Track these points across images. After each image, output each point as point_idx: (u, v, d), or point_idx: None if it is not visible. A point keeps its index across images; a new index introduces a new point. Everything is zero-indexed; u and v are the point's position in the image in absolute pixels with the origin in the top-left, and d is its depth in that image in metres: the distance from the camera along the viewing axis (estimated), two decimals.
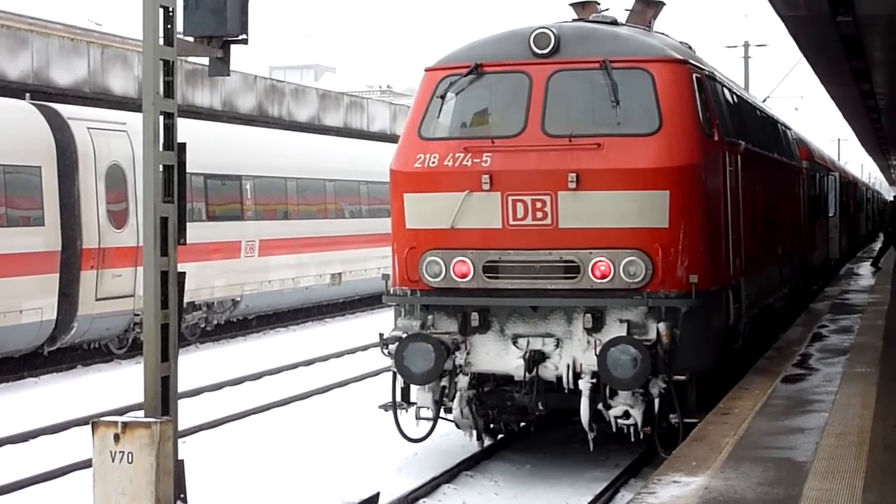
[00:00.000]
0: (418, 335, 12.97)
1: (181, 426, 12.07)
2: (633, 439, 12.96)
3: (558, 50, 13.04)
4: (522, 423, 14.24)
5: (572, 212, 12.58)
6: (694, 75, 13.28)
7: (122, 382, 20.58)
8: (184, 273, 10.51)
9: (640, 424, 12.68)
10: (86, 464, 13.06)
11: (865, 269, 34.64)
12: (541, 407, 12.83)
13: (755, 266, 15.79)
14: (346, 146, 36.01)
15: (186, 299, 23.94)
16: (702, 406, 12.73)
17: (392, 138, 39.36)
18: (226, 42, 10.86)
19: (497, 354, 13.01)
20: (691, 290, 12.47)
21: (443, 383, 13.11)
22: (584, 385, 12.59)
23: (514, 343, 12.94)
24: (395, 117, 48.49)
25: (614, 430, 12.86)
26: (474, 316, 12.94)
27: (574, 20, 14.31)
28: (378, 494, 12.18)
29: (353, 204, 33.94)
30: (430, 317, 13.25)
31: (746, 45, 54.97)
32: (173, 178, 10.40)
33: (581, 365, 12.68)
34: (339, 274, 32.44)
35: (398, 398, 13.64)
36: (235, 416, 17.50)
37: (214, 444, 15.53)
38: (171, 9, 10.35)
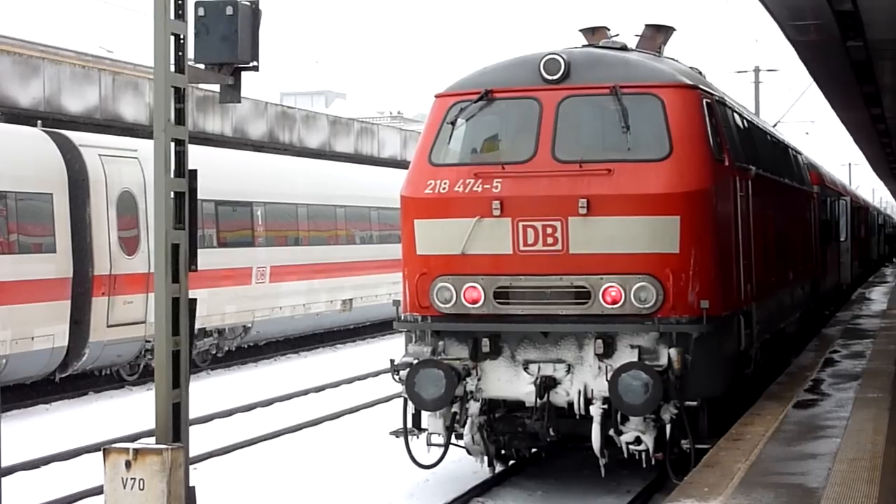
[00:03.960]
0: (429, 361, 12.95)
1: (192, 453, 12.05)
2: (644, 465, 12.91)
3: (568, 76, 13.04)
4: (534, 449, 14.20)
5: (583, 237, 12.56)
6: (704, 100, 13.27)
7: (134, 409, 20.57)
8: (195, 299, 10.51)
9: (651, 450, 12.63)
10: (97, 490, 13.05)
11: (877, 293, 34.54)
12: (552, 433, 12.79)
13: (766, 291, 15.76)
14: (357, 172, 36.05)
15: (197, 326, 23.89)
16: (713, 432, 12.69)
17: (402, 164, 39.39)
18: (237, 69, 10.91)
19: (508, 380, 12.98)
20: (702, 316, 12.44)
21: (454, 409, 13.08)
22: (596, 411, 12.56)
23: (525, 369, 12.92)
24: (406, 143, 48.56)
25: (626, 455, 12.82)
26: (485, 342, 12.93)
27: (584, 46, 14.32)
28: None
29: (364, 230, 33.96)
30: (440, 343, 13.23)
31: (757, 70, 54.90)
32: (184, 204, 10.42)
33: (592, 391, 12.65)
34: (350, 300, 32.45)
35: (409, 424, 13.61)
36: (247, 442, 17.48)
37: (226, 470, 15.51)
38: (182, 36, 10.39)
